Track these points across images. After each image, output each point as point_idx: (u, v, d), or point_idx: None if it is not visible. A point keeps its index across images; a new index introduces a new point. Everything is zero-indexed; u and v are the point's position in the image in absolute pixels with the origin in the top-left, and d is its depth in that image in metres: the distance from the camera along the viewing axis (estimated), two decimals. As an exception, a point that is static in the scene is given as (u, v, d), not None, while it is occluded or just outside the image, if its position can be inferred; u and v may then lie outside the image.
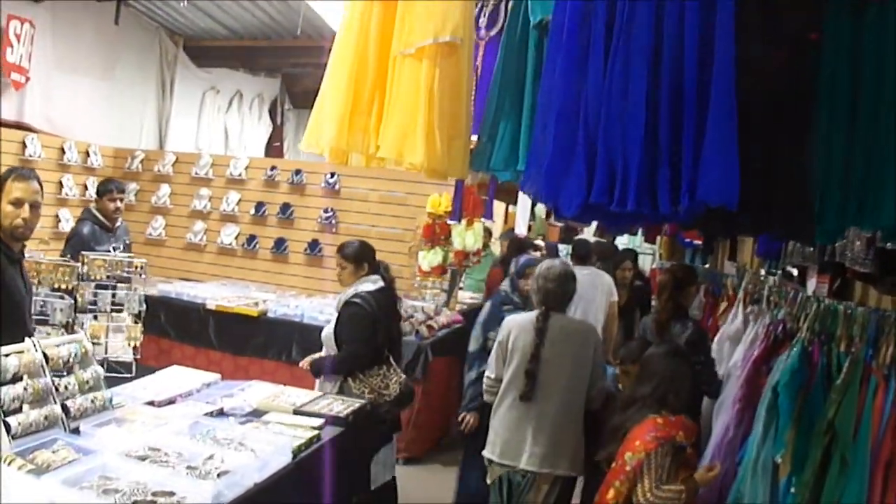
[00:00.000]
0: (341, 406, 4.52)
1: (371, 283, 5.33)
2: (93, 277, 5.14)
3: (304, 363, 5.42)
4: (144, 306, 5.36)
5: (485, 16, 4.59)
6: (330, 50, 4.13)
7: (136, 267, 5.34)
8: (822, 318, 3.60)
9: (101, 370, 3.77)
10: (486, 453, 4.88)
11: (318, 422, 4.17)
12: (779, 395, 3.51)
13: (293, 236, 10.06)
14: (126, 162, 10.93)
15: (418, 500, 6.55)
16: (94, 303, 5.13)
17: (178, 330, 8.37)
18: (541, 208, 11.19)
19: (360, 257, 5.38)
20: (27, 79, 9.39)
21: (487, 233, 10.52)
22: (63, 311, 4.80)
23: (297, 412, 4.30)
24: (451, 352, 7.98)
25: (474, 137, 4.21)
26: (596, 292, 7.63)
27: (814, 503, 3.24)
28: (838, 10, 2.87)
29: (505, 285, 6.14)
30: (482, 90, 4.44)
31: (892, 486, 3.08)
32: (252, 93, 14.09)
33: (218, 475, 3.12)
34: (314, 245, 9.79)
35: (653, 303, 8.18)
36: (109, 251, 6.02)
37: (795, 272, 6.21)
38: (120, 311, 5.24)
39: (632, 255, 10.01)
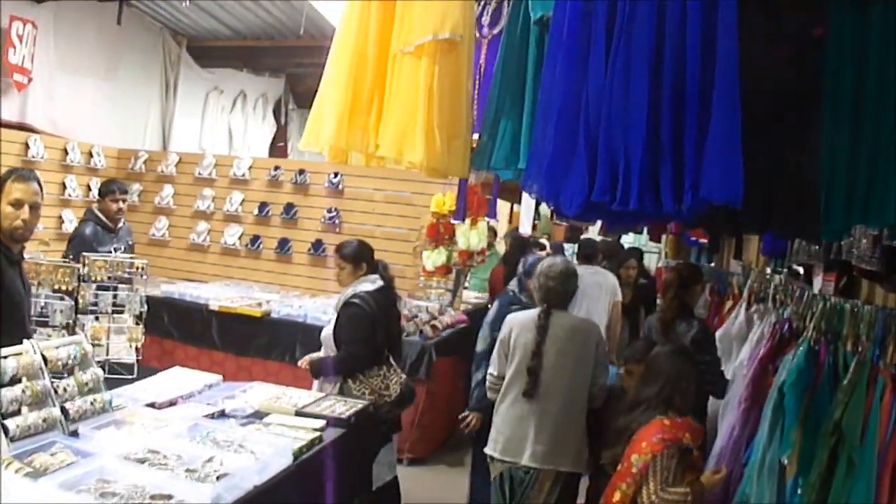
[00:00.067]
0: (343, 407, 4.50)
1: (370, 283, 5.31)
2: (94, 278, 5.11)
3: (303, 363, 5.41)
4: (146, 307, 5.32)
5: (488, 14, 4.57)
6: (332, 49, 4.11)
7: (138, 268, 5.30)
8: (828, 317, 3.59)
9: (100, 372, 3.75)
10: (487, 450, 4.89)
11: (320, 423, 4.14)
12: (785, 395, 3.49)
13: (297, 236, 10.05)
14: (129, 162, 10.92)
15: (423, 502, 6.53)
16: (95, 304, 5.10)
17: (181, 331, 8.35)
18: (546, 207, 11.16)
19: (359, 257, 5.36)
20: (30, 79, 9.37)
21: (492, 232, 10.51)
22: (63, 313, 4.77)
23: (298, 413, 4.28)
24: (455, 352, 7.96)
25: (475, 136, 4.18)
26: (600, 292, 7.62)
27: (820, 504, 3.21)
28: (842, 7, 2.83)
29: (512, 285, 6.13)
30: (485, 89, 4.40)
31: (899, 488, 3.05)
32: (256, 93, 14.07)
33: (217, 478, 3.09)
34: (318, 245, 9.77)
35: (658, 301, 8.15)
36: (112, 252, 6.00)
37: (801, 270, 6.18)
38: (121, 312, 5.21)
39: (637, 253, 9.99)
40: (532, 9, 3.70)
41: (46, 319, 4.73)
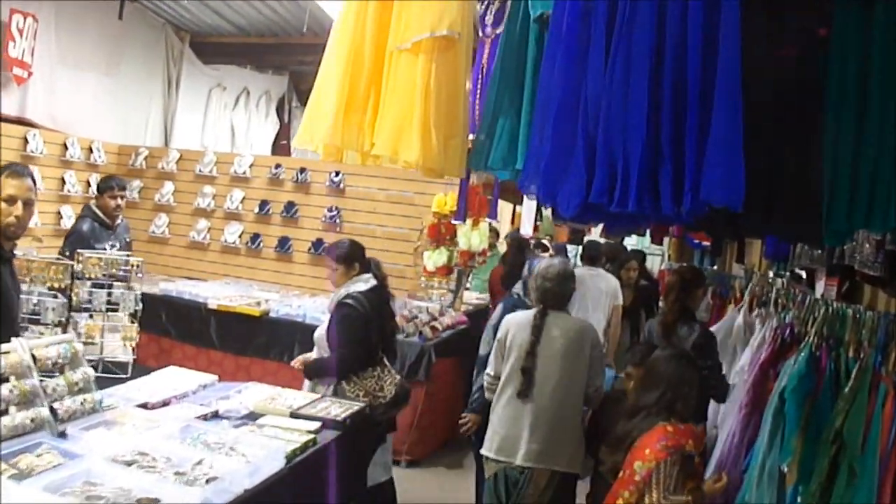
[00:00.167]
0: (339, 409, 4.44)
1: (363, 283, 5.26)
2: (88, 276, 5.06)
3: (296, 363, 5.35)
4: (140, 306, 5.27)
5: (491, 13, 4.52)
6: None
7: (133, 266, 5.25)
8: (830, 322, 3.56)
9: (91, 371, 3.69)
10: (483, 450, 4.91)
11: (315, 425, 4.08)
12: (785, 401, 3.46)
13: (297, 235, 10.01)
14: (130, 159, 10.87)
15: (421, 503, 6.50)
16: (90, 302, 5.05)
17: (179, 329, 8.30)
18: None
19: (351, 257, 5.30)
20: (30, 74, 9.30)
21: (494, 233, 10.46)
22: (55, 311, 4.72)
23: (293, 415, 4.22)
24: (454, 353, 7.92)
25: (472, 136, 4.14)
26: (601, 294, 7.58)
27: (821, 513, 3.17)
28: (846, 6, 2.77)
29: (517, 288, 6.13)
30: (487, 88, 4.36)
31: (901, 498, 3.00)
32: (259, 90, 14.02)
33: (206, 481, 3.03)
34: (318, 244, 9.71)
35: (660, 304, 8.11)
36: (107, 249, 5.95)
37: (804, 274, 6.14)
38: (116, 310, 5.16)
39: (639, 255, 9.96)
40: (532, 6, 3.66)
41: (39, 317, 4.68)
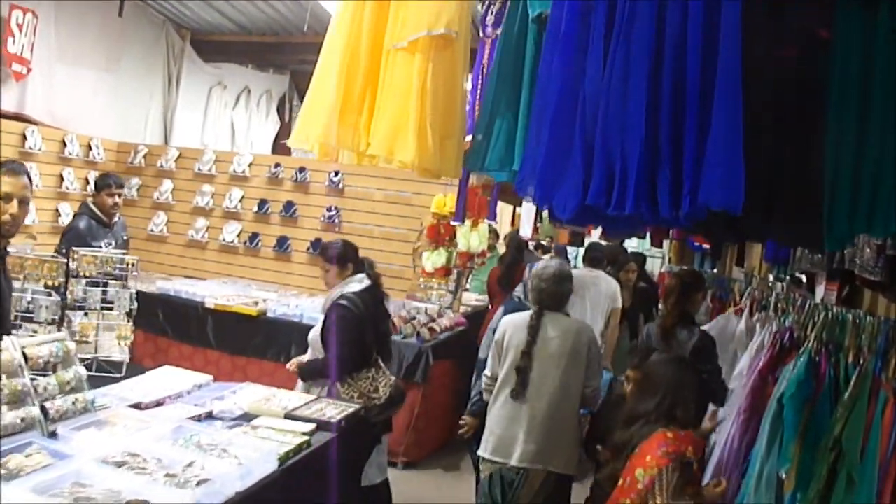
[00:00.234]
0: (334, 410, 4.41)
1: (357, 283, 5.23)
2: (83, 274, 5.02)
3: (291, 365, 5.31)
4: (136, 304, 5.22)
5: (492, 14, 4.49)
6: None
7: (128, 264, 5.21)
8: (829, 327, 3.53)
9: (83, 371, 3.66)
10: (479, 451, 4.90)
11: (310, 427, 4.05)
12: (784, 407, 3.43)
13: (296, 234, 9.99)
14: (129, 156, 10.86)
15: (418, 505, 6.50)
16: (84, 300, 5.01)
17: (175, 329, 8.26)
18: (548, 210, 11.07)
19: (344, 258, 5.27)
20: (29, 70, 9.28)
21: (494, 234, 10.43)
22: (49, 309, 4.68)
23: (288, 416, 4.19)
24: (452, 355, 7.90)
25: (469, 136, 4.11)
26: (600, 296, 7.54)
27: (819, 521, 3.13)
28: (848, 6, 2.74)
29: (518, 291, 6.13)
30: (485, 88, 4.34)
31: (900, 507, 2.97)
32: (260, 89, 14.02)
33: (197, 483, 3.00)
34: (317, 244, 9.62)
35: (659, 307, 8.07)
36: (103, 247, 5.91)
37: (804, 278, 6.10)
38: (111, 309, 5.12)
39: (640, 258, 9.92)
40: (530, 6, 3.62)
41: (32, 315, 4.64)
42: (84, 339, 4.91)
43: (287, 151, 13.46)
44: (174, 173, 10.68)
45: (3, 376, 3.21)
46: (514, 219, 13.44)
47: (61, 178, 9.89)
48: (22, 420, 3.22)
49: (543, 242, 11.69)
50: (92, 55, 10.51)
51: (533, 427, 4.68)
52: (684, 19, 2.61)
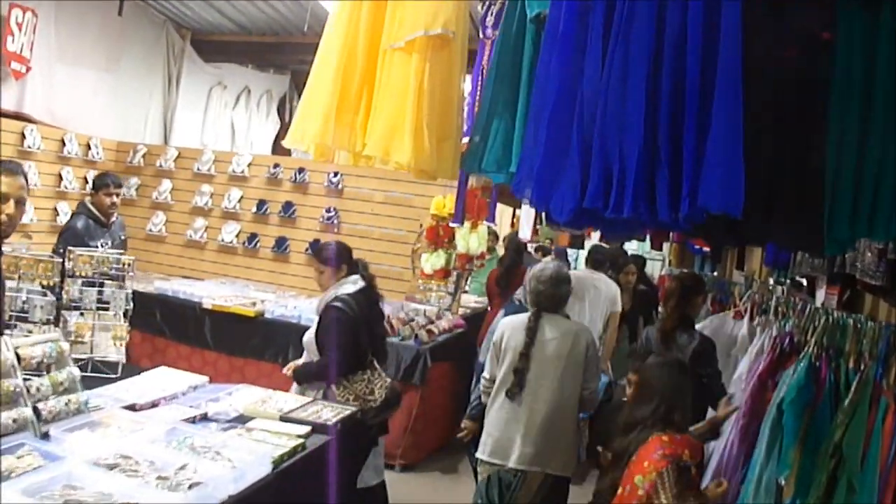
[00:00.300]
0: (330, 413, 4.38)
1: (351, 284, 5.20)
2: (78, 274, 4.99)
3: (287, 370, 5.27)
4: (132, 305, 5.20)
5: (492, 14, 4.46)
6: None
7: (125, 264, 5.18)
8: (830, 332, 3.51)
9: (76, 371, 3.63)
10: (477, 453, 4.90)
11: (305, 430, 4.01)
12: (784, 413, 3.40)
13: (295, 235, 9.97)
14: (128, 156, 10.84)
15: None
16: (80, 300, 4.99)
17: (173, 329, 8.22)
18: (548, 212, 11.03)
19: (338, 259, 5.24)
20: (28, 69, 9.25)
21: (493, 236, 10.40)
22: (43, 309, 4.66)
23: (283, 419, 4.16)
24: (451, 357, 7.87)
25: (466, 138, 4.09)
26: (599, 299, 7.51)
27: (819, 529, 3.10)
28: (850, 7, 2.71)
29: (519, 294, 6.13)
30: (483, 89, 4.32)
31: (900, 514, 2.94)
32: (260, 89, 14.00)
33: (189, 487, 2.96)
34: (316, 245, 9.62)
35: (659, 309, 8.04)
36: (100, 247, 5.89)
37: (804, 282, 6.08)
38: (107, 309, 5.10)
39: (640, 261, 9.89)
40: (528, 5, 3.59)
41: (27, 315, 4.61)
42: (80, 339, 4.88)
43: (287, 152, 13.46)
44: (173, 173, 10.67)
45: (-4, 377, 3.19)
46: (514, 221, 13.40)
47: (60, 177, 9.86)
48: (14, 421, 3.19)
49: (544, 244, 11.65)
50: (92, 55, 10.47)
51: (531, 429, 4.68)
52: (684, 19, 2.58)
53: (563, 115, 2.85)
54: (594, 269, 7.87)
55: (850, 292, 4.92)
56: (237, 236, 10.19)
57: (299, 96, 12.74)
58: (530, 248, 11.16)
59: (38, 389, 3.37)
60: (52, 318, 4.71)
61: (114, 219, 6.84)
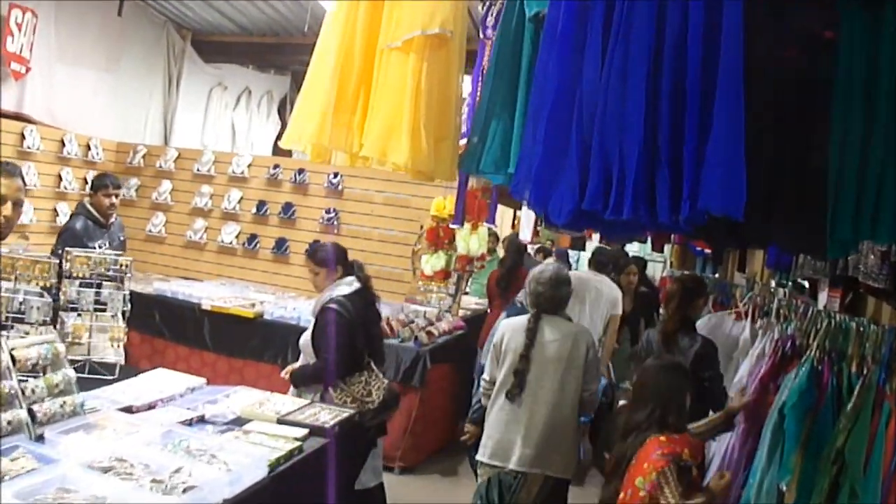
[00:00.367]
0: (328, 415, 4.35)
1: (347, 286, 5.17)
2: (75, 275, 4.97)
3: (285, 373, 5.25)
4: (129, 306, 5.17)
5: (492, 15, 4.44)
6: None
7: (122, 265, 5.15)
8: (832, 335, 3.48)
9: (72, 373, 3.60)
10: (478, 455, 4.90)
11: (302, 432, 3.98)
12: (785, 417, 3.37)
13: (294, 236, 9.92)
14: (128, 156, 10.81)
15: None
16: (77, 301, 4.96)
17: (172, 330, 8.20)
18: (549, 214, 11.01)
19: (333, 260, 5.22)
20: (28, 69, 9.22)
21: (494, 237, 10.38)
22: (40, 309, 4.62)
23: (280, 421, 4.13)
24: (451, 359, 7.84)
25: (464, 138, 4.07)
26: (600, 301, 7.48)
27: (821, 535, 3.08)
28: (852, 6, 2.68)
29: (520, 296, 6.14)
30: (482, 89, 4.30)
31: (904, 520, 2.91)
32: (261, 90, 13.97)
33: (184, 490, 2.93)
34: (312, 247, 9.60)
35: (660, 311, 8.01)
36: (98, 248, 5.86)
37: (806, 284, 6.05)
38: (104, 310, 5.07)
39: (641, 262, 9.86)
40: (527, 5, 3.56)
41: (23, 316, 4.58)
42: (77, 340, 4.85)
43: (287, 153, 13.44)
44: (173, 174, 10.64)
45: (-10, 378, 3.16)
46: (515, 222, 13.39)
47: (59, 177, 9.83)
48: (9, 423, 3.16)
49: (545, 246, 11.63)
50: (92, 55, 10.45)
51: (531, 431, 4.67)
52: (685, 18, 2.56)
53: (562, 115, 2.83)
54: (597, 271, 7.84)
55: (853, 295, 4.89)
56: (237, 237, 10.16)
57: (300, 97, 12.76)
58: (531, 249, 11.14)
59: (33, 391, 3.34)
60: (48, 319, 4.67)
61: (113, 220, 6.81)
